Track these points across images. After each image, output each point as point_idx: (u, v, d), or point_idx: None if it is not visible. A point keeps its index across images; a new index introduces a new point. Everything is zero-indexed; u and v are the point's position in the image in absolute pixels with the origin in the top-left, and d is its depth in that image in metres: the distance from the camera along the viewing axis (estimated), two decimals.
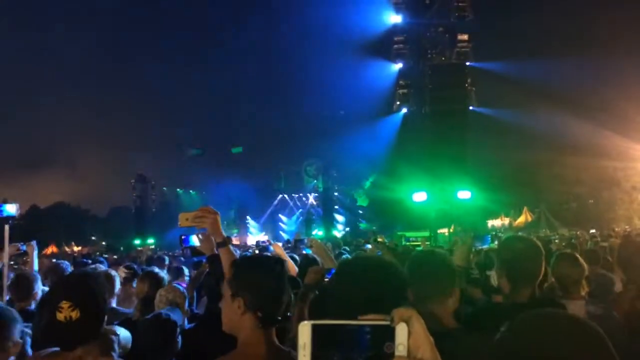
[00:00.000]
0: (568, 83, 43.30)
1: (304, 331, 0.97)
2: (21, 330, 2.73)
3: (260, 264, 2.24)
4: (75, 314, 2.19)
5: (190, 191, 56.15)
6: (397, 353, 0.95)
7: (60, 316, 2.18)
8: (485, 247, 3.72)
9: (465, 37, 32.75)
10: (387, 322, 0.97)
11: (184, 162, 52.99)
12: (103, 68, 62.88)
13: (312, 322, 0.98)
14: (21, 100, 63.02)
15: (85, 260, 8.62)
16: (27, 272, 4.66)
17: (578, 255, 3.86)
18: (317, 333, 0.97)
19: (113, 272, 4.82)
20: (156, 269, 5.03)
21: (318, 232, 45.43)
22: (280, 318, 2.15)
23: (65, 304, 2.20)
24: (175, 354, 3.49)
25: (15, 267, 8.27)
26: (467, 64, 32.68)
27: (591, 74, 43.03)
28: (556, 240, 13.29)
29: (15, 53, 61.14)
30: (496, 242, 4.32)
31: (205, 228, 3.02)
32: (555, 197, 45.52)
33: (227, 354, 2.10)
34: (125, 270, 5.53)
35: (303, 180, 55.23)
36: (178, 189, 55.63)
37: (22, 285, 4.24)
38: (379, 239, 13.06)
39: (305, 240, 5.14)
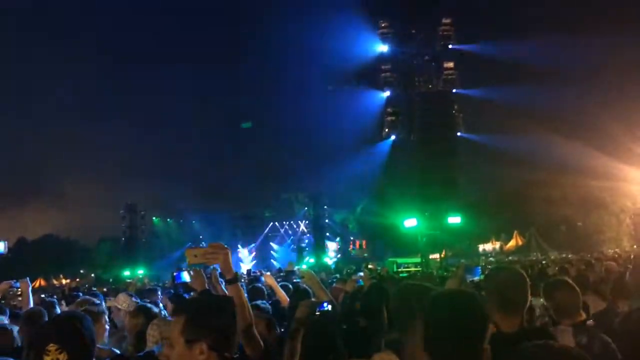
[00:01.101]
0: (554, 105, 43.96)
1: None
2: None
3: (214, 305, 2.17)
4: (62, 357, 2.18)
5: (180, 221, 55.83)
6: None
7: (47, 359, 2.17)
8: (476, 278, 3.71)
9: (451, 64, 33.26)
10: None
11: (173, 192, 52.83)
12: (91, 98, 63.04)
13: None
14: (7, 132, 62.80)
15: (76, 294, 8.54)
16: (38, 309, 4.65)
17: (571, 281, 3.85)
18: None
19: (101, 309, 4.79)
20: (148, 304, 5.02)
21: (310, 260, 45.18)
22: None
23: (52, 347, 2.18)
24: None
25: (2, 301, 8.17)
26: (454, 91, 33.12)
27: (577, 96, 43.72)
28: (544, 264, 13.35)
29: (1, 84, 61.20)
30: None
31: (208, 264, 3.03)
32: (545, 220, 45.72)
33: None
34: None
35: (294, 208, 55.14)
36: (168, 219, 55.28)
37: (34, 321, 4.22)
38: (370, 266, 13.10)
39: (297, 272, 5.15)
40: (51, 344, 2.19)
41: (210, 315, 2.07)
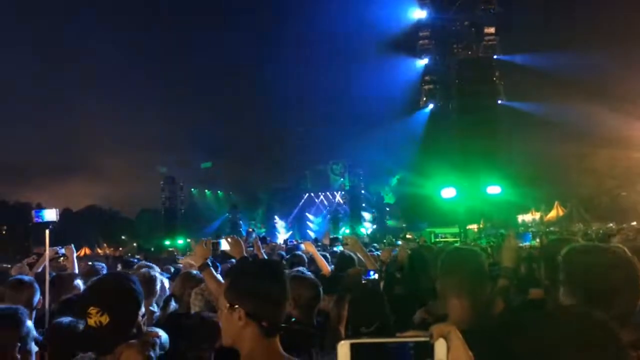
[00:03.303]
0: (598, 74, 42.44)
1: (343, 351, 0.97)
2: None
3: (258, 269, 2.08)
4: (104, 319, 2.16)
5: (218, 192, 56.79)
6: None
7: (90, 322, 2.16)
8: (526, 244, 3.56)
9: (492, 30, 32.15)
10: (426, 339, 0.97)
11: (211, 164, 53.64)
12: (132, 72, 63.98)
13: (351, 340, 0.98)
14: (51, 106, 64.50)
15: (133, 260, 8.78)
16: (64, 273, 4.76)
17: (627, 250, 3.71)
18: (356, 351, 0.97)
19: (153, 273, 4.86)
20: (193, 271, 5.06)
21: (345, 230, 45.40)
22: (283, 325, 2.01)
23: (93, 310, 2.17)
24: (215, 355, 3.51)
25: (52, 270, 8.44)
26: (495, 57, 32.12)
27: (621, 64, 42.10)
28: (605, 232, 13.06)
29: (45, 59, 62.60)
30: (537, 240, 4.19)
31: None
32: (587, 191, 44.67)
33: None
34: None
35: (329, 179, 55.30)
36: (206, 190, 56.31)
37: (60, 285, 4.34)
38: (408, 236, 13.07)
39: (341, 238, 5.11)
40: (92, 307, 2.18)
41: (246, 280, 1.99)
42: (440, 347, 0.96)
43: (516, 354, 1.41)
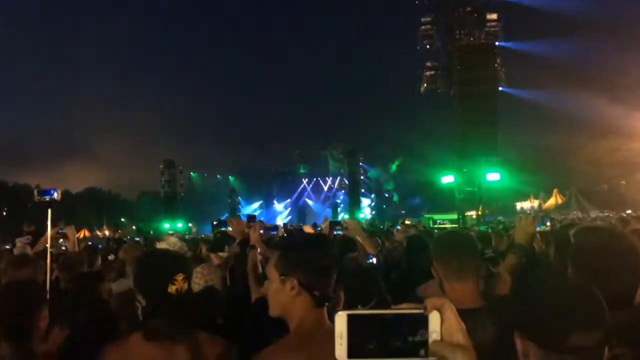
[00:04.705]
0: (600, 63, 42.35)
1: (340, 321, 1.00)
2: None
3: (309, 241, 2.17)
4: (185, 287, 2.27)
5: (217, 176, 56.84)
6: (431, 340, 0.98)
7: (171, 289, 2.22)
8: (537, 229, 3.53)
9: (494, 16, 31.76)
10: (421, 311, 0.99)
11: (211, 148, 53.67)
12: (132, 56, 63.65)
13: (348, 312, 1.00)
14: (51, 90, 64.25)
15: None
16: (72, 253, 4.80)
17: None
18: (353, 322, 1.00)
19: None
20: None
21: (344, 216, 45.53)
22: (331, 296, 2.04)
23: (180, 277, 2.25)
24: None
25: (52, 249, 8.48)
26: (497, 44, 31.85)
27: (623, 53, 42.00)
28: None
29: (45, 43, 62.28)
30: (548, 224, 4.18)
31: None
32: (586, 179, 44.78)
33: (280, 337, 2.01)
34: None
35: (329, 164, 55.36)
36: (205, 174, 56.38)
37: (67, 265, 4.38)
38: (407, 222, 13.11)
39: (342, 222, 5.13)
40: (180, 274, 2.26)
41: (300, 250, 2.04)
42: (434, 318, 0.99)
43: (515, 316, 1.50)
